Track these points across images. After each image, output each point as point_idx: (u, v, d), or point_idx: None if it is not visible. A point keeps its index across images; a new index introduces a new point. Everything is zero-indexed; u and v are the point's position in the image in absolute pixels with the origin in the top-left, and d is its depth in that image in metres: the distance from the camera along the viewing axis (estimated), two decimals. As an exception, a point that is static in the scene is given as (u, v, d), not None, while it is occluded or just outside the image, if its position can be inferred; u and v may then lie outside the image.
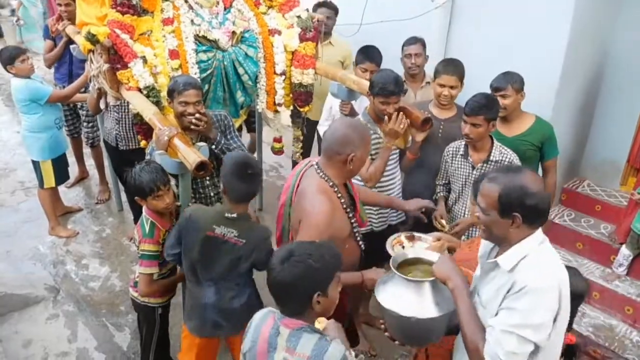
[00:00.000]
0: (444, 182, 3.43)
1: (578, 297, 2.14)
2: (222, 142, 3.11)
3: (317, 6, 4.60)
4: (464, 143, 3.19)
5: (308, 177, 2.53)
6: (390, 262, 2.15)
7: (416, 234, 2.83)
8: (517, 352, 1.76)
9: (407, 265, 2.20)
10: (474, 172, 3.14)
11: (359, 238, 2.67)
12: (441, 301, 2.02)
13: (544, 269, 1.82)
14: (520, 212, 1.81)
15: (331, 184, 2.47)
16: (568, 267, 2.15)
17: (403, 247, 2.77)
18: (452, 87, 3.42)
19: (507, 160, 3.09)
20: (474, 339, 1.88)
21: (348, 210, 2.56)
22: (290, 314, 1.91)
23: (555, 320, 1.81)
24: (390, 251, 2.72)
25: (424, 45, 4.07)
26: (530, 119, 3.41)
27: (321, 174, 2.48)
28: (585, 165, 4.56)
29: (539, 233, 1.89)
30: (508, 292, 1.81)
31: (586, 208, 4.30)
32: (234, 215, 2.55)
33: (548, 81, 3.81)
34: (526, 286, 1.76)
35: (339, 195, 2.50)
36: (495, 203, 1.84)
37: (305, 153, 5.02)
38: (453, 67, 3.43)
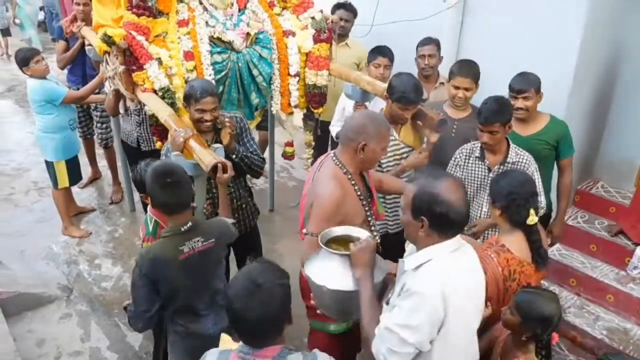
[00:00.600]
0: None
1: (544, 320, 2.17)
2: (241, 150, 3.11)
3: (335, 7, 4.61)
4: (479, 145, 3.16)
5: (325, 165, 2.59)
6: (319, 238, 2.20)
7: None
8: (397, 352, 1.83)
9: (345, 243, 2.25)
10: (491, 174, 3.11)
11: (373, 229, 2.67)
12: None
13: (434, 275, 1.83)
14: (428, 217, 1.84)
15: (344, 171, 2.51)
16: (544, 290, 2.35)
17: None
18: (466, 89, 3.41)
19: (523, 161, 3.07)
20: (368, 330, 1.97)
21: (362, 198, 2.57)
22: (261, 345, 1.72)
23: (441, 330, 1.83)
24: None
25: (438, 46, 4.08)
26: (545, 118, 3.40)
27: (336, 161, 2.53)
28: (599, 166, 4.52)
29: (452, 242, 1.89)
30: (401, 291, 1.88)
31: (600, 210, 4.25)
32: (189, 225, 2.43)
33: (561, 81, 3.78)
34: (410, 288, 1.82)
35: (353, 182, 2.53)
36: (409, 204, 1.89)
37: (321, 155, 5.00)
38: (468, 69, 3.42)
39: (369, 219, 2.64)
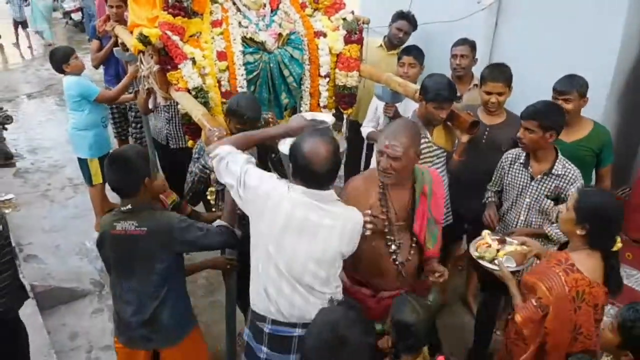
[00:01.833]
0: (496, 189, 3.35)
1: (402, 324, 2.35)
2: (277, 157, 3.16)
3: (397, 17, 4.60)
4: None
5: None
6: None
7: (505, 237, 2.78)
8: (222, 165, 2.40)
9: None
10: (533, 183, 3.05)
11: (390, 244, 2.65)
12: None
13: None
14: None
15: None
16: (402, 298, 2.46)
17: (489, 247, 2.74)
18: (499, 94, 3.35)
19: (569, 175, 2.97)
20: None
21: (384, 208, 2.61)
22: None
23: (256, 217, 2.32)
24: (473, 252, 2.74)
25: (472, 47, 4.05)
26: (589, 124, 3.30)
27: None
28: (636, 172, 4.41)
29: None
30: None
31: (636, 216, 4.15)
32: (129, 207, 2.55)
33: (599, 83, 3.65)
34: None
35: (380, 185, 2.62)
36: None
37: (355, 156, 4.98)
38: (499, 73, 3.36)
39: (386, 230, 2.63)
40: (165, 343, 2.69)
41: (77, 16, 12.70)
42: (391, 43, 4.67)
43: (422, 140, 3.16)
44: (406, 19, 4.56)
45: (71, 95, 4.55)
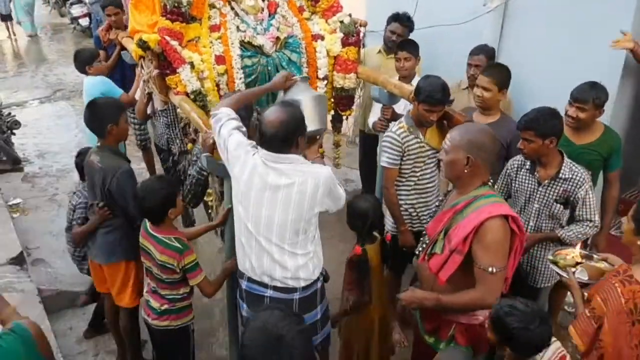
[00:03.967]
0: (503, 196, 3.28)
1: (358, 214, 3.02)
2: None
3: (391, 19, 4.61)
4: None
5: None
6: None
7: (592, 254, 2.68)
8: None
9: None
10: (541, 188, 3.03)
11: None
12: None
13: None
14: None
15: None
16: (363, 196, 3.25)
17: (568, 255, 2.67)
18: (484, 89, 3.35)
19: (577, 178, 2.95)
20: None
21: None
22: None
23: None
24: (548, 256, 2.69)
25: (488, 56, 3.97)
26: (600, 128, 3.28)
27: None
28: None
29: None
30: None
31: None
32: (98, 144, 3.28)
33: (606, 86, 3.64)
34: None
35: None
36: None
37: (370, 163, 4.87)
38: (490, 69, 3.37)
39: None
40: (95, 257, 3.36)
41: (84, 22, 12.79)
42: (387, 46, 4.70)
43: (414, 141, 3.20)
44: (398, 21, 4.58)
45: (93, 95, 4.54)
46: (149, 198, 2.81)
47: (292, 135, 2.48)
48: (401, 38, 4.55)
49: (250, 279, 2.67)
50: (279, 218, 2.48)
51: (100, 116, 3.21)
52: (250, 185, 2.50)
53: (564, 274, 2.54)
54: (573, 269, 2.54)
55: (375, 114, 4.30)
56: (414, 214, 3.48)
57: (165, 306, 2.97)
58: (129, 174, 3.17)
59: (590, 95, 3.13)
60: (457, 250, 2.33)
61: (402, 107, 3.92)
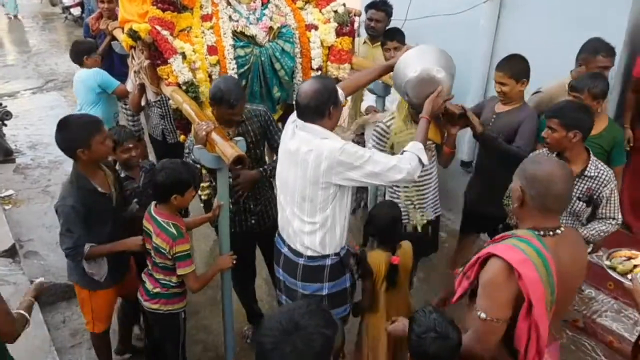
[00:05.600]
0: None
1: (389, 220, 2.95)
2: (272, 165, 3.20)
3: (366, 7, 4.59)
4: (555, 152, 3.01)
5: None
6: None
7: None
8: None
9: None
10: None
11: None
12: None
13: None
14: None
15: None
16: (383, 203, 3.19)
17: (627, 260, 2.49)
18: (502, 84, 3.31)
19: (602, 177, 2.90)
20: None
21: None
22: None
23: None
24: (604, 262, 2.50)
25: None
26: (604, 120, 3.23)
27: None
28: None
29: None
30: None
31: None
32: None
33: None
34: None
35: None
36: None
37: None
38: (504, 63, 3.30)
39: None
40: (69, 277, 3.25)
41: (76, 11, 12.70)
42: (370, 36, 4.66)
43: (409, 132, 3.16)
44: (374, 7, 4.54)
45: (90, 86, 4.54)
46: (162, 174, 2.78)
47: (323, 106, 2.56)
48: (380, 24, 4.53)
49: (278, 233, 2.89)
50: (291, 180, 2.65)
51: (69, 137, 2.83)
52: (282, 146, 2.74)
53: (627, 282, 2.33)
54: (634, 275, 2.36)
55: (368, 101, 4.33)
56: (411, 207, 3.44)
57: (157, 289, 2.97)
58: (70, 209, 2.80)
59: (585, 85, 3.08)
60: (467, 275, 2.10)
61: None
